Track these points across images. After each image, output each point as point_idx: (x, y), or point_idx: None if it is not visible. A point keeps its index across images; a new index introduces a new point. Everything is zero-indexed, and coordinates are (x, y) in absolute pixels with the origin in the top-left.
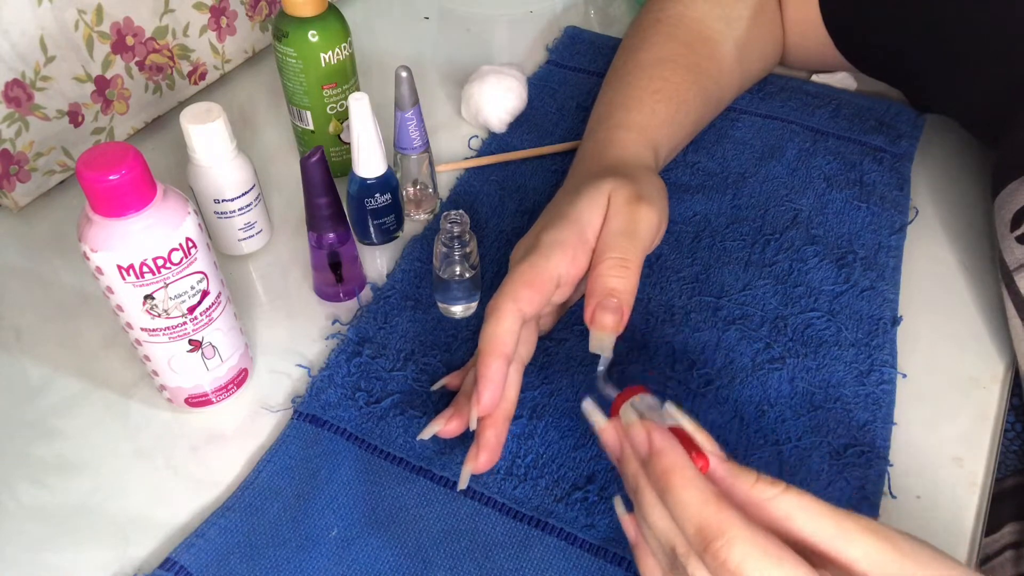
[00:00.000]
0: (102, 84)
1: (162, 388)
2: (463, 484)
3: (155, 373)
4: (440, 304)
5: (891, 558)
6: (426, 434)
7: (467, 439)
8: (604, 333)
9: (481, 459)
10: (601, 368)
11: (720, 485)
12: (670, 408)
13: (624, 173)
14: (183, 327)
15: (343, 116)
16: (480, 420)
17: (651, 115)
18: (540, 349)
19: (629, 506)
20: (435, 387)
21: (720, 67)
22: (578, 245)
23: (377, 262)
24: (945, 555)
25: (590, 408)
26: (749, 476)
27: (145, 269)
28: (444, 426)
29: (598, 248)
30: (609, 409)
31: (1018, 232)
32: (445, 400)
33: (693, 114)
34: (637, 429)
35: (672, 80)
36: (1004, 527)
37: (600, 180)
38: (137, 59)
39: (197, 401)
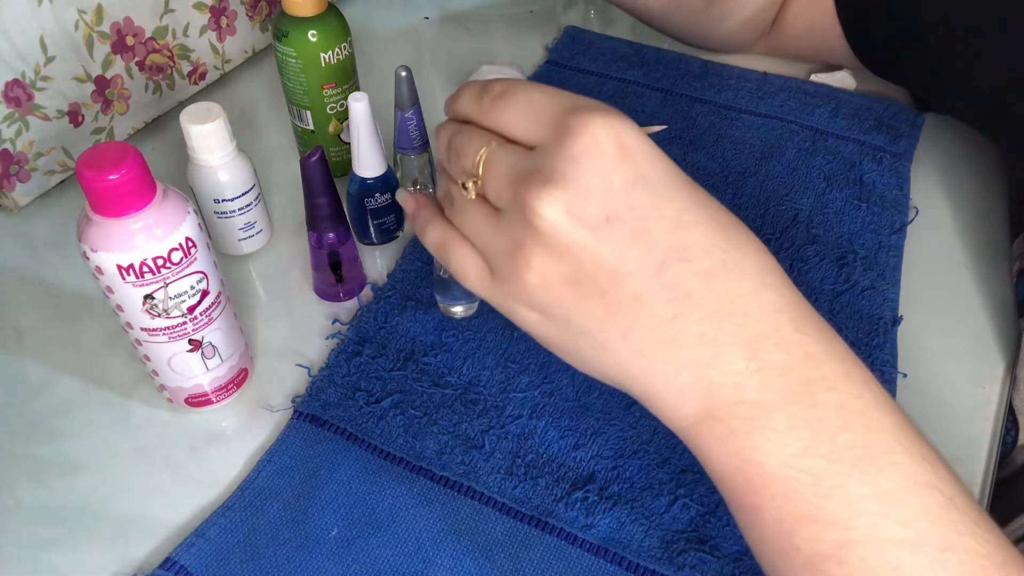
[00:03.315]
0: (102, 84)
1: (162, 388)
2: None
3: (155, 373)
4: (440, 304)
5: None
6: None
7: (469, 439)
8: None
9: None
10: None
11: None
12: None
13: None
14: (183, 327)
15: (343, 116)
16: None
17: None
18: (540, 348)
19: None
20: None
21: None
22: None
23: (377, 262)
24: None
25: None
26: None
27: (145, 269)
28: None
29: None
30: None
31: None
32: (445, 401)
33: None
34: (462, 92)
35: None
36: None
37: None
38: (137, 59)
39: (197, 401)
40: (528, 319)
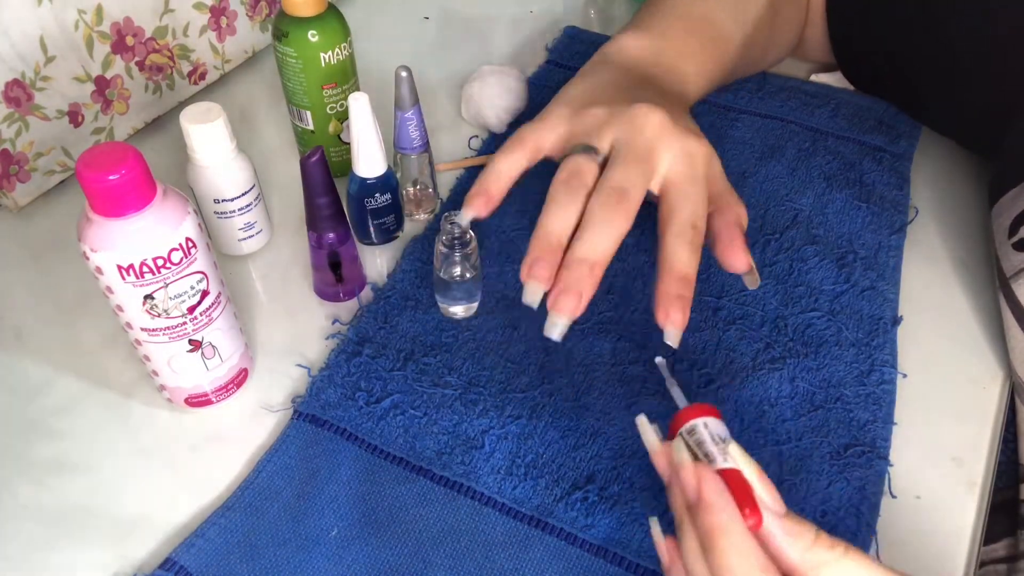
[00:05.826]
0: (102, 84)
1: (162, 388)
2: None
3: (155, 373)
4: (441, 305)
5: None
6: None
7: (469, 439)
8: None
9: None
10: (660, 359)
11: (771, 543)
12: (734, 451)
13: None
14: (183, 327)
15: (343, 116)
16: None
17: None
18: (540, 348)
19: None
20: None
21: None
22: None
23: (377, 262)
24: None
25: (644, 425)
26: (806, 536)
27: (145, 269)
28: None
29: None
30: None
31: (1015, 239)
32: (445, 401)
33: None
34: (688, 473)
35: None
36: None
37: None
38: (137, 59)
39: (197, 401)
40: None
